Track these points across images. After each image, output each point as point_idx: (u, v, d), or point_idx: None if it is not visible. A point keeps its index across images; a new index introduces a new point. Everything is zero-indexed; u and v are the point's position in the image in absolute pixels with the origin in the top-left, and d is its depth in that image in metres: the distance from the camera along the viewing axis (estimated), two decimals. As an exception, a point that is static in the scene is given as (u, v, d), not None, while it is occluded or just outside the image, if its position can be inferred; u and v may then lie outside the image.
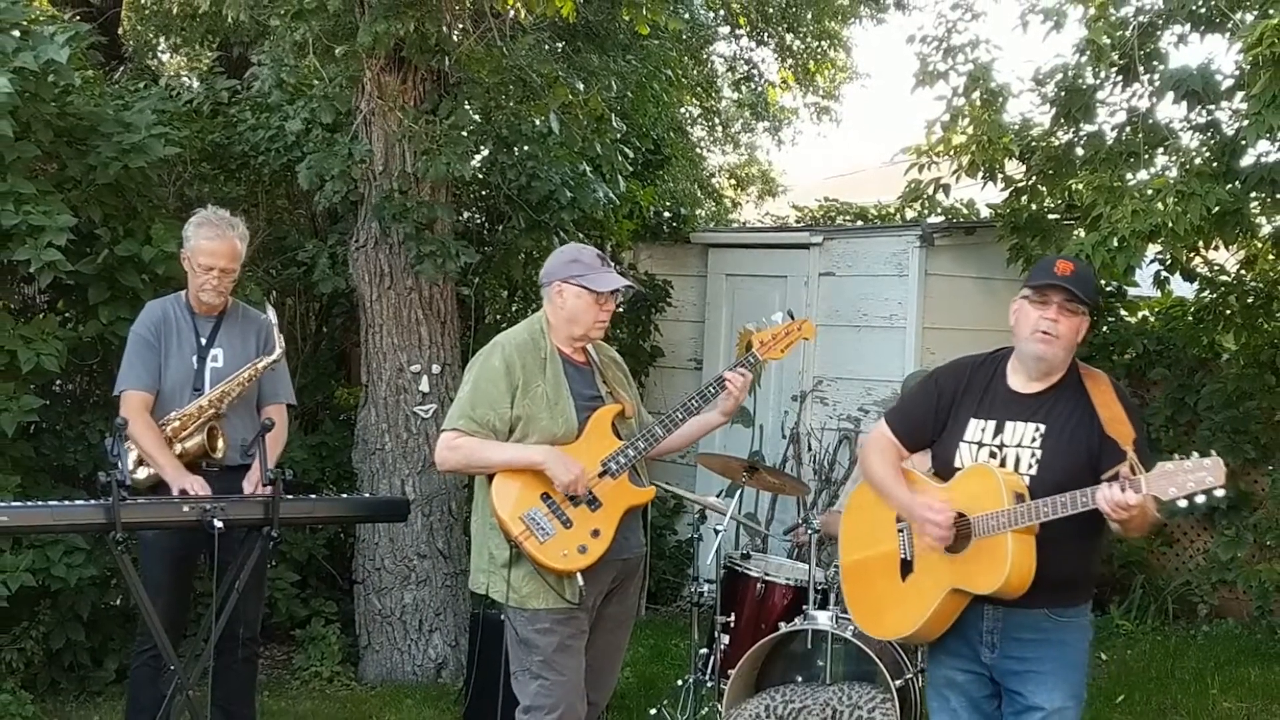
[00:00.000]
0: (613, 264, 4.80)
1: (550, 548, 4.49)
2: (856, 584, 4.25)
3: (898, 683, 5.41)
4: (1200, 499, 3.52)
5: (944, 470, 4.00)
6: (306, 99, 7.39)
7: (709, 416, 4.85)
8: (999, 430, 3.91)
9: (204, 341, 5.38)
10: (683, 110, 12.95)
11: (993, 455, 3.90)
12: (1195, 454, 3.54)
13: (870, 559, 4.15)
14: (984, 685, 3.99)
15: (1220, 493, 3.51)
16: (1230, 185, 7.40)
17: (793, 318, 4.99)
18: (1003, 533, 3.73)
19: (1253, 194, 7.50)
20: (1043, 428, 3.86)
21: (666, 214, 9.96)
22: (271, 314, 5.52)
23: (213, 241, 5.32)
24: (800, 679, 5.58)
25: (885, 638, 4.63)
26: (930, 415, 4.06)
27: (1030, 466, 3.84)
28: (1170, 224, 6.97)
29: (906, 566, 4.03)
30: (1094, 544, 3.92)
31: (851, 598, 4.28)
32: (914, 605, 3.97)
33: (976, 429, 3.95)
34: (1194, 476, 3.50)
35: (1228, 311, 8.89)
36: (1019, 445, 3.87)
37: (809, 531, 5.80)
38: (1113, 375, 4.06)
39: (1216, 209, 7.18)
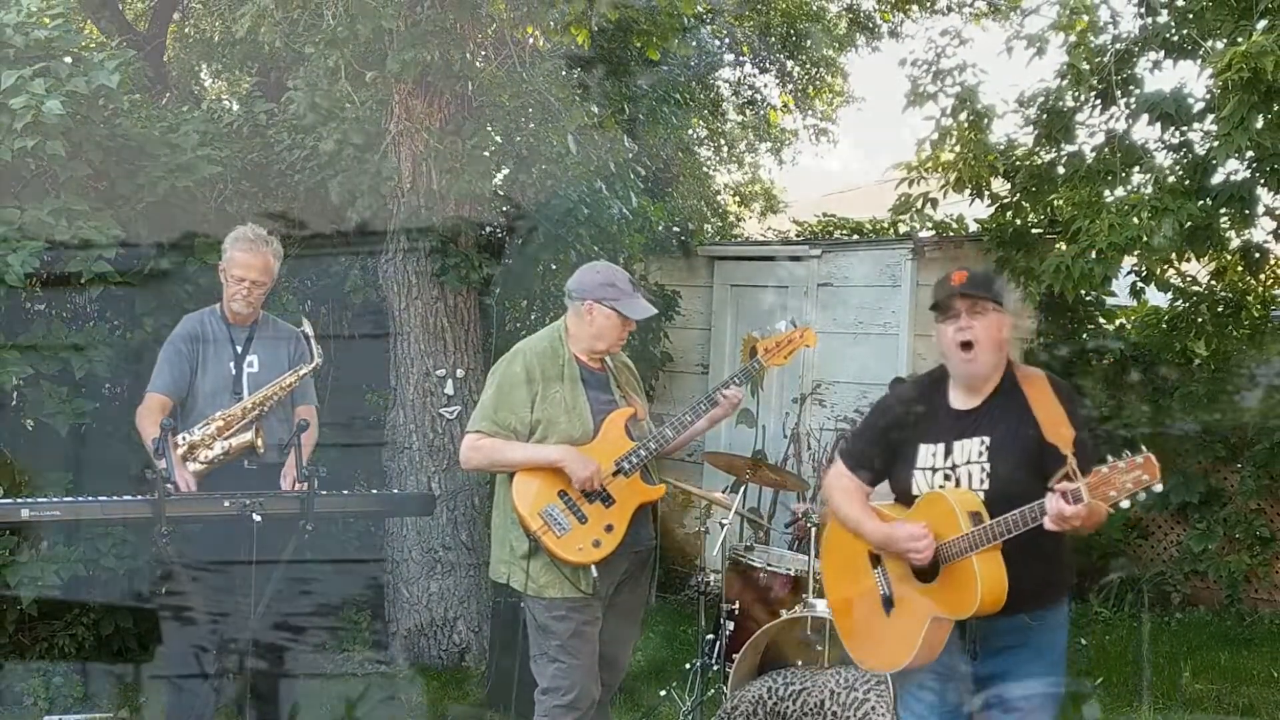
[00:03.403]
0: (641, 287, 4.79)
1: (567, 541, 4.48)
2: (847, 620, 4.07)
3: (891, 667, 5.38)
4: (1142, 496, 3.35)
5: (904, 499, 3.83)
6: (339, 121, 7.36)
7: (699, 425, 4.84)
8: (949, 452, 3.75)
9: (240, 349, 5.39)
10: (690, 132, 12.93)
11: (947, 478, 3.73)
12: (1126, 452, 3.36)
13: (853, 596, 3.98)
14: (954, 692, 3.81)
15: (1158, 488, 3.30)
16: (1201, 202, 7.38)
17: (795, 326, 4.98)
18: (967, 556, 3.58)
19: (1222, 210, 7.48)
20: (987, 439, 3.69)
21: (675, 228, 9.93)
22: (308, 326, 5.52)
23: (247, 254, 5.34)
24: (800, 663, 5.56)
25: (884, 671, 4.48)
26: (878, 450, 3.91)
27: (982, 481, 3.67)
28: (1145, 238, 6.95)
29: (888, 602, 3.85)
30: (1057, 547, 3.68)
31: (845, 633, 4.10)
32: (903, 638, 3.77)
33: (928, 455, 3.78)
34: (1130, 477, 3.33)
35: (1199, 320, 8.85)
36: (968, 462, 3.71)
37: (809, 524, 5.76)
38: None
39: (1188, 224, 7.16)
